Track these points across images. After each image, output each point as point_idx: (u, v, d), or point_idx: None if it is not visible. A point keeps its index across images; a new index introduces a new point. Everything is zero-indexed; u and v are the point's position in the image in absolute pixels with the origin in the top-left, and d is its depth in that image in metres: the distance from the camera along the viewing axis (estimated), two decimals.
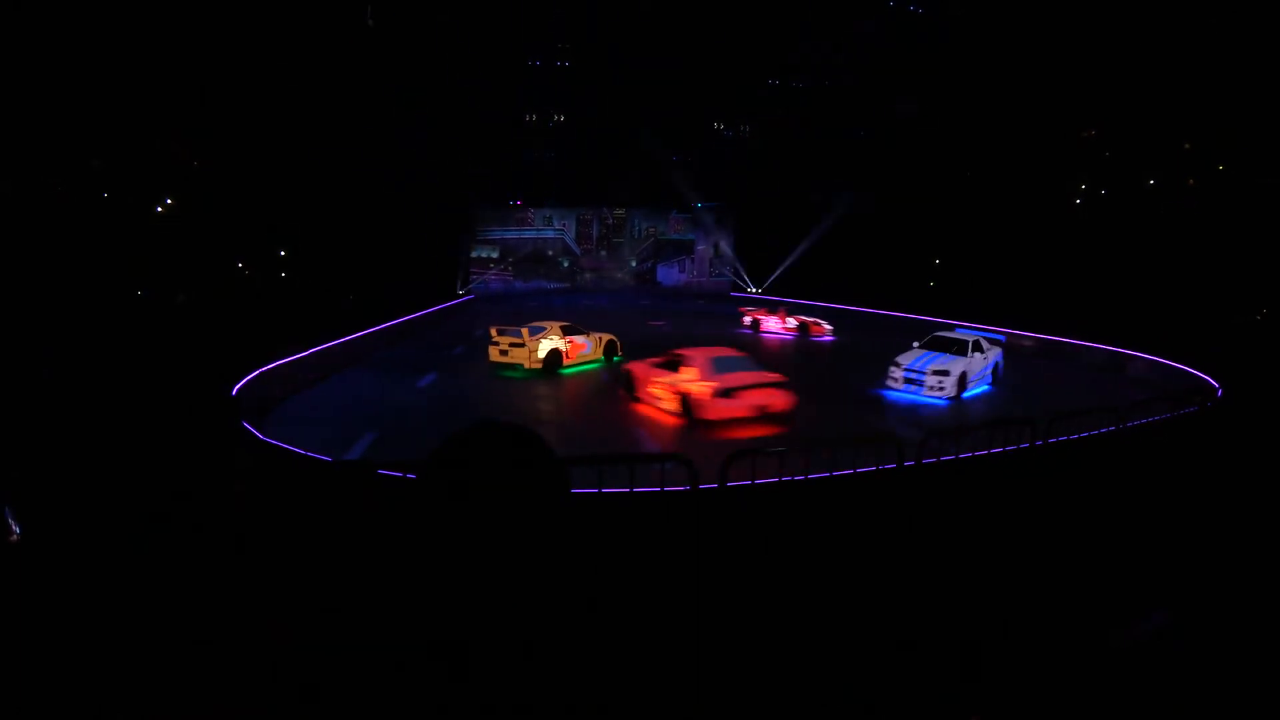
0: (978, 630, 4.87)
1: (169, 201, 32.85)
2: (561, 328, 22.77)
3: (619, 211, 57.98)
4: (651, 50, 49.62)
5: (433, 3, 43.82)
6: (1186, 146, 37.11)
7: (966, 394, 19.40)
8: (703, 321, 36.84)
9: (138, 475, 7.95)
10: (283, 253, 38.50)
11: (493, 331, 22.52)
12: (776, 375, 16.37)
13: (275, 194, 34.79)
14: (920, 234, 44.70)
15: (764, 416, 15.43)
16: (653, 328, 33.08)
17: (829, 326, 31.66)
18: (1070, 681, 3.49)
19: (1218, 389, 17.48)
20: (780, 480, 7.63)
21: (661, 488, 7.13)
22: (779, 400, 15.82)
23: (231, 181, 33.71)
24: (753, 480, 7.51)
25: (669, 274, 59.63)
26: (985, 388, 20.50)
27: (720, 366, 16.29)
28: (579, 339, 22.92)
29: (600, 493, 6.83)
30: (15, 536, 4.89)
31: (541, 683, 1.52)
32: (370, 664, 1.51)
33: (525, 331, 21.88)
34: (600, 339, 23.83)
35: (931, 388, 19.03)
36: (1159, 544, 6.52)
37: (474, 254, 54.75)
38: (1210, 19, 34.11)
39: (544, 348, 21.76)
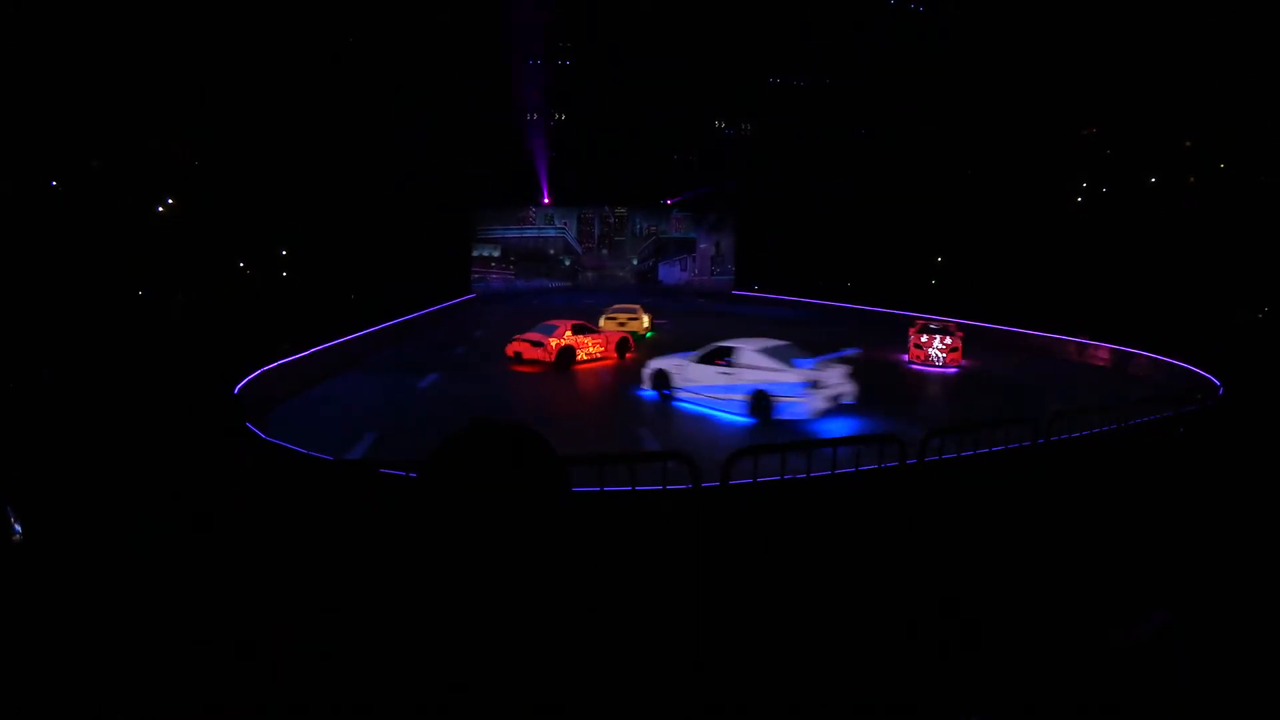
0: (978, 630, 4.87)
1: (170, 201, 32.86)
2: (642, 305, 33.32)
3: (620, 210, 58.01)
4: (653, 49, 49.58)
5: (433, 3, 43.81)
6: (1187, 144, 37.09)
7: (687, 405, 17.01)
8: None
9: (139, 474, 7.97)
10: (284, 252, 38.51)
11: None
12: (542, 338, 22.83)
13: (276, 194, 34.81)
14: (921, 232, 44.71)
15: (517, 359, 23.07)
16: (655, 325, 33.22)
17: (939, 354, 24.04)
18: (1070, 681, 3.50)
19: (1219, 387, 17.47)
20: (782, 479, 7.63)
21: (663, 486, 7.13)
22: (531, 353, 22.83)
23: (232, 181, 33.73)
24: (754, 479, 7.52)
25: (670, 272, 59.66)
26: (739, 418, 15.92)
27: (536, 328, 23.79)
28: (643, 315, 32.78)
29: (602, 491, 6.83)
30: (17, 536, 4.89)
31: (541, 684, 1.52)
32: (370, 665, 1.51)
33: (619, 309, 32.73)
34: (650, 316, 33.30)
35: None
36: (1159, 543, 6.51)
37: (475, 253, 54.77)
38: (1210, 18, 34.08)
39: None
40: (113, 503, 6.95)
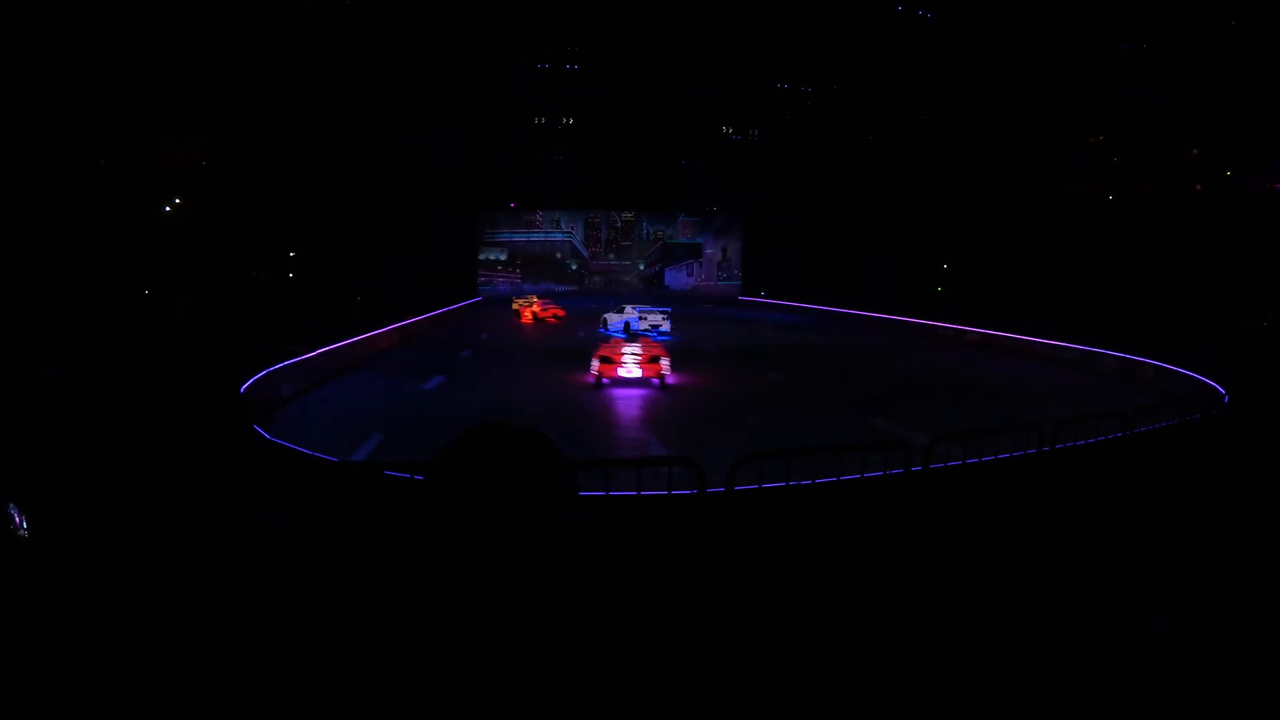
0: (982, 634, 4.86)
1: (177, 201, 32.96)
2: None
3: (627, 215, 57.95)
4: (659, 53, 49.58)
5: (436, 3, 43.93)
6: (1194, 153, 37.02)
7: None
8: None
9: (143, 473, 7.98)
10: (291, 254, 38.59)
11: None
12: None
13: (285, 195, 34.89)
14: (928, 239, 44.65)
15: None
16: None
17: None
18: (1073, 685, 3.49)
19: (1224, 395, 17.37)
20: (788, 484, 7.62)
21: (669, 491, 7.13)
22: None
23: (241, 182, 33.83)
24: (760, 484, 7.50)
25: (676, 278, 59.58)
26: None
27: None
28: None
29: (608, 495, 6.84)
30: (23, 533, 4.90)
31: (544, 687, 1.51)
32: (372, 667, 1.51)
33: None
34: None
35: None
36: (1164, 550, 6.49)
37: (482, 256, 54.75)
38: (1217, 26, 34.03)
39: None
40: (118, 500, 6.97)
